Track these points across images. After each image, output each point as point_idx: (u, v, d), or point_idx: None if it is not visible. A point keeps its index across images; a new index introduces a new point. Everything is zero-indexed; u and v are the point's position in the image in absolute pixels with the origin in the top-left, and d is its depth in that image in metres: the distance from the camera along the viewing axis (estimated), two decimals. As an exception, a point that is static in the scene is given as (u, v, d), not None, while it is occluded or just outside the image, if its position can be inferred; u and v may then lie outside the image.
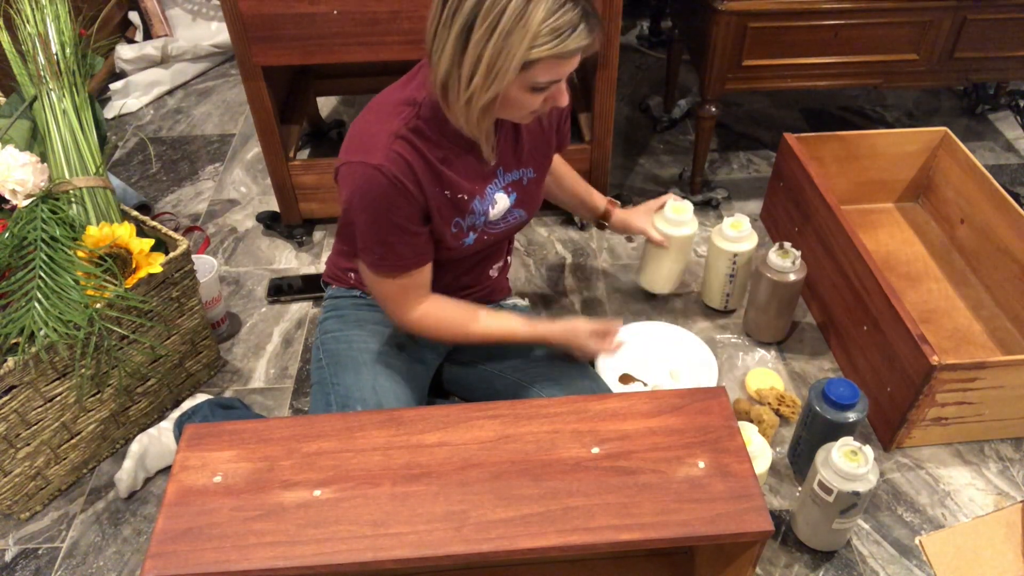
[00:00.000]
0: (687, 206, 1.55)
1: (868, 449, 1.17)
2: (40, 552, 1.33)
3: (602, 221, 1.55)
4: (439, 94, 1.04)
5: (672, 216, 1.54)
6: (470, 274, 1.33)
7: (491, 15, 0.92)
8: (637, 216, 1.55)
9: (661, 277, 1.65)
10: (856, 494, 1.17)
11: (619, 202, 1.57)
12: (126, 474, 1.37)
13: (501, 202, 1.22)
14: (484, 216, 1.21)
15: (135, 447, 1.39)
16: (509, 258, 1.43)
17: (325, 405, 1.23)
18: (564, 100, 1.06)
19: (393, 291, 1.18)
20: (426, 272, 1.19)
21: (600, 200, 1.55)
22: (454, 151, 1.13)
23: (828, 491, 1.18)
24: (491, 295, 1.41)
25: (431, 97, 1.07)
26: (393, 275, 1.16)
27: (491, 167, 1.19)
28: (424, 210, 1.13)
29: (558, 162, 1.47)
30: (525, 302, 1.48)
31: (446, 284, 1.30)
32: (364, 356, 1.27)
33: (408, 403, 1.24)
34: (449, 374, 1.41)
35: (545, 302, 1.76)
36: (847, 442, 1.18)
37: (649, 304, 1.75)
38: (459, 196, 1.16)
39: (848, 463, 1.16)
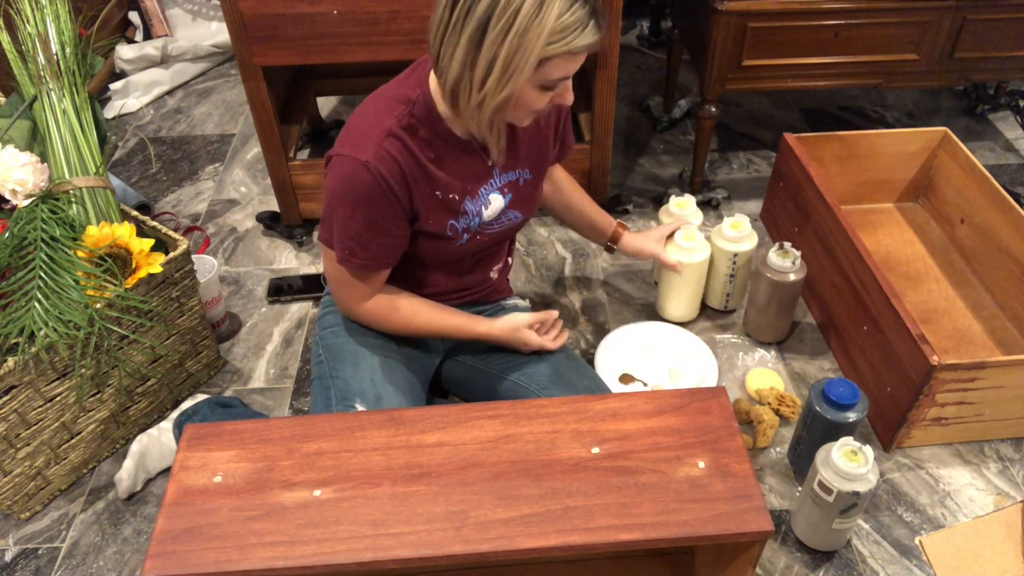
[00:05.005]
0: (697, 233, 1.57)
1: (868, 449, 1.17)
2: (40, 552, 1.33)
3: (611, 244, 1.55)
4: (448, 98, 1.04)
5: (684, 244, 1.55)
6: (471, 275, 1.33)
7: (506, 14, 0.93)
8: (648, 241, 1.55)
9: (682, 303, 1.64)
10: (856, 494, 1.17)
11: (628, 226, 1.56)
12: (126, 474, 1.36)
13: (495, 203, 1.22)
14: (478, 217, 1.21)
15: (135, 447, 1.39)
16: (510, 259, 1.43)
17: (325, 400, 1.23)
18: (569, 98, 1.08)
19: (351, 283, 1.20)
20: (387, 273, 1.22)
21: (609, 222, 1.54)
22: (447, 150, 1.13)
23: (828, 491, 1.18)
24: (491, 295, 1.40)
25: (426, 96, 1.09)
26: (358, 271, 1.17)
27: (487, 167, 1.19)
28: (409, 211, 1.14)
29: (565, 181, 1.47)
30: (526, 303, 1.48)
31: (446, 287, 1.30)
32: (363, 350, 1.27)
33: (407, 397, 1.25)
34: (449, 372, 1.41)
35: (545, 302, 1.76)
36: (847, 442, 1.18)
37: (649, 303, 1.75)
38: (450, 196, 1.16)
39: (848, 463, 1.16)
